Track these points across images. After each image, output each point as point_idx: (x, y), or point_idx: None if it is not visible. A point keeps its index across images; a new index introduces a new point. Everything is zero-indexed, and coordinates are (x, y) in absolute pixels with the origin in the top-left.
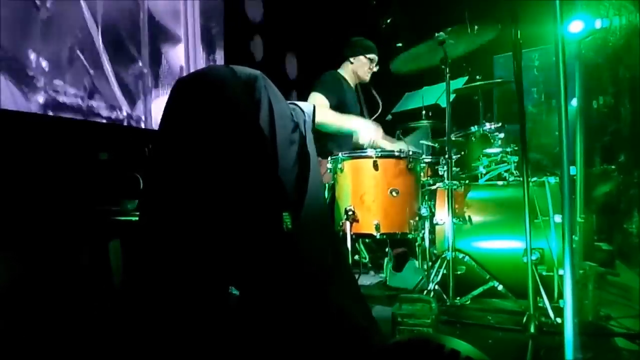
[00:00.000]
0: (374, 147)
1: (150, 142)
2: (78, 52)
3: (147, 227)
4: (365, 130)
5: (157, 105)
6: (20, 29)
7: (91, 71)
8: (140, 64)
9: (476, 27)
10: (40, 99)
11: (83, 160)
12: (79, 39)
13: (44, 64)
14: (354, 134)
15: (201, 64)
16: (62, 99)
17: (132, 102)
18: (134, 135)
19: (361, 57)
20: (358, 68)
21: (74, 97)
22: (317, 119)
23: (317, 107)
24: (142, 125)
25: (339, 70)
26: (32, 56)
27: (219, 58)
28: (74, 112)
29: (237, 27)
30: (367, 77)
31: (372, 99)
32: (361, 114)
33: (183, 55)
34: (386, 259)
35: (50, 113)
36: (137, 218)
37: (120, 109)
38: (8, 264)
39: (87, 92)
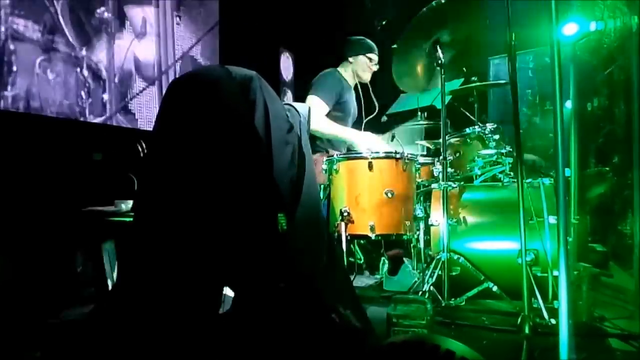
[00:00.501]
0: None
1: (145, 142)
2: None
3: (141, 228)
4: (363, 142)
5: (119, 52)
6: None
7: (51, 8)
8: (104, 8)
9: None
10: (2, 27)
11: (77, 161)
12: None
13: None
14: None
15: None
16: (21, 29)
17: (91, 45)
18: (129, 135)
19: (361, 57)
20: (358, 68)
21: (32, 31)
22: (313, 127)
23: (314, 112)
24: (102, 69)
25: (338, 69)
26: None
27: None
28: (33, 44)
29: (233, 27)
30: (367, 76)
31: (370, 100)
32: (359, 114)
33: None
34: (382, 260)
35: (11, 45)
36: (131, 219)
37: (80, 49)
38: (1, 265)
39: (47, 28)
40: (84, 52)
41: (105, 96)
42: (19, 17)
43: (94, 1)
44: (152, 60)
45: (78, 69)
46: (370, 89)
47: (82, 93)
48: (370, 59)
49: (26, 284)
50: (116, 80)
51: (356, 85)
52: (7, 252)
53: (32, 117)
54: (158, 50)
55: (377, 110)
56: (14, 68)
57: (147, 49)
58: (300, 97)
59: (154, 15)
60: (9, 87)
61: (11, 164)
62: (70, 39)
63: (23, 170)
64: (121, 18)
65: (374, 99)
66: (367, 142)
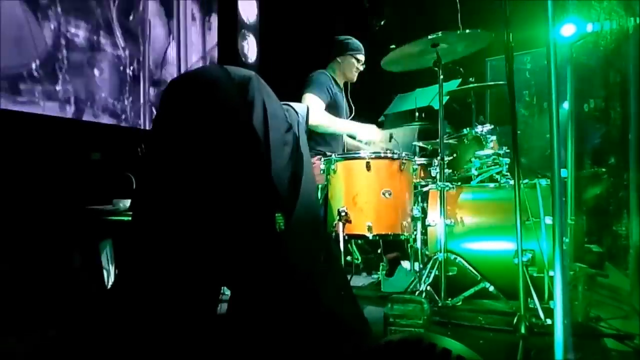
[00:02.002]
0: (368, 143)
1: (143, 141)
2: None
3: (139, 227)
4: (365, 130)
5: (154, 54)
6: None
7: (100, 10)
8: (143, 11)
9: (467, 30)
10: (53, 26)
11: (75, 160)
12: None
13: None
14: (350, 135)
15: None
16: (73, 29)
17: (132, 46)
18: (127, 135)
19: (349, 57)
20: (345, 68)
21: (83, 30)
22: (313, 122)
23: (312, 108)
24: (141, 70)
25: (327, 70)
26: None
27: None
28: (82, 43)
29: (231, 27)
30: (353, 76)
31: (360, 98)
32: (348, 113)
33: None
34: (382, 265)
35: (63, 40)
36: (129, 218)
37: (124, 49)
38: None
39: (95, 29)
40: (126, 53)
41: (143, 96)
42: (70, 19)
43: (135, 4)
44: (184, 62)
45: (121, 69)
46: (349, 93)
47: (125, 92)
48: (357, 60)
49: (24, 283)
50: (152, 80)
51: (344, 84)
52: (5, 251)
53: (30, 116)
54: (188, 53)
55: (353, 114)
56: (65, 67)
57: (182, 52)
58: (297, 98)
59: (187, 19)
60: (61, 84)
61: (9, 163)
62: (115, 40)
63: (21, 169)
64: (159, 21)
65: (350, 102)
66: (368, 133)
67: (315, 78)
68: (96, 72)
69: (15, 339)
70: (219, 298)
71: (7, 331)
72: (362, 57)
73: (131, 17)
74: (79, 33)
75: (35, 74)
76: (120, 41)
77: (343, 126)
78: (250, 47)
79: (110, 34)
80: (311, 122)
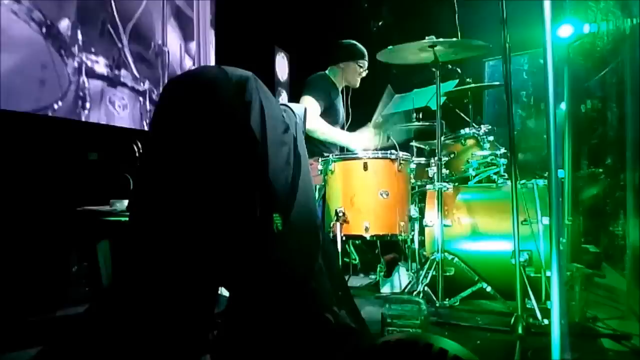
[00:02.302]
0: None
1: (141, 141)
2: (108, 26)
3: (137, 228)
4: (358, 141)
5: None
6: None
7: (119, 44)
8: (160, 41)
9: (467, 41)
10: (75, 63)
11: (72, 161)
12: (110, 14)
13: (79, 34)
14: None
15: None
16: (93, 65)
17: (155, 76)
18: (124, 135)
19: (351, 63)
20: (347, 73)
21: (103, 66)
22: (308, 126)
23: (309, 112)
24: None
25: (327, 72)
26: (68, 24)
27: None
28: (103, 79)
29: (229, 27)
30: (356, 82)
31: (357, 98)
32: (346, 118)
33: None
34: (379, 266)
35: (84, 77)
36: (126, 218)
37: (144, 82)
38: None
39: (115, 64)
40: (146, 85)
41: None
42: (91, 54)
43: (150, 36)
44: None
45: (141, 100)
46: (349, 95)
47: (144, 123)
48: (360, 66)
49: (20, 283)
50: None
51: (343, 88)
52: (2, 252)
53: (27, 116)
54: None
55: (350, 120)
56: (88, 102)
57: None
58: (295, 98)
59: (207, 42)
60: (83, 119)
61: (6, 163)
62: (134, 73)
63: (19, 169)
64: (173, 50)
65: (349, 108)
66: (362, 143)
67: (315, 81)
68: (117, 106)
69: (13, 340)
70: (216, 299)
71: (6, 331)
72: (365, 64)
73: (150, 49)
74: (99, 69)
75: (60, 111)
76: (138, 74)
77: (336, 136)
78: (247, 47)
79: (128, 67)
80: (307, 126)
